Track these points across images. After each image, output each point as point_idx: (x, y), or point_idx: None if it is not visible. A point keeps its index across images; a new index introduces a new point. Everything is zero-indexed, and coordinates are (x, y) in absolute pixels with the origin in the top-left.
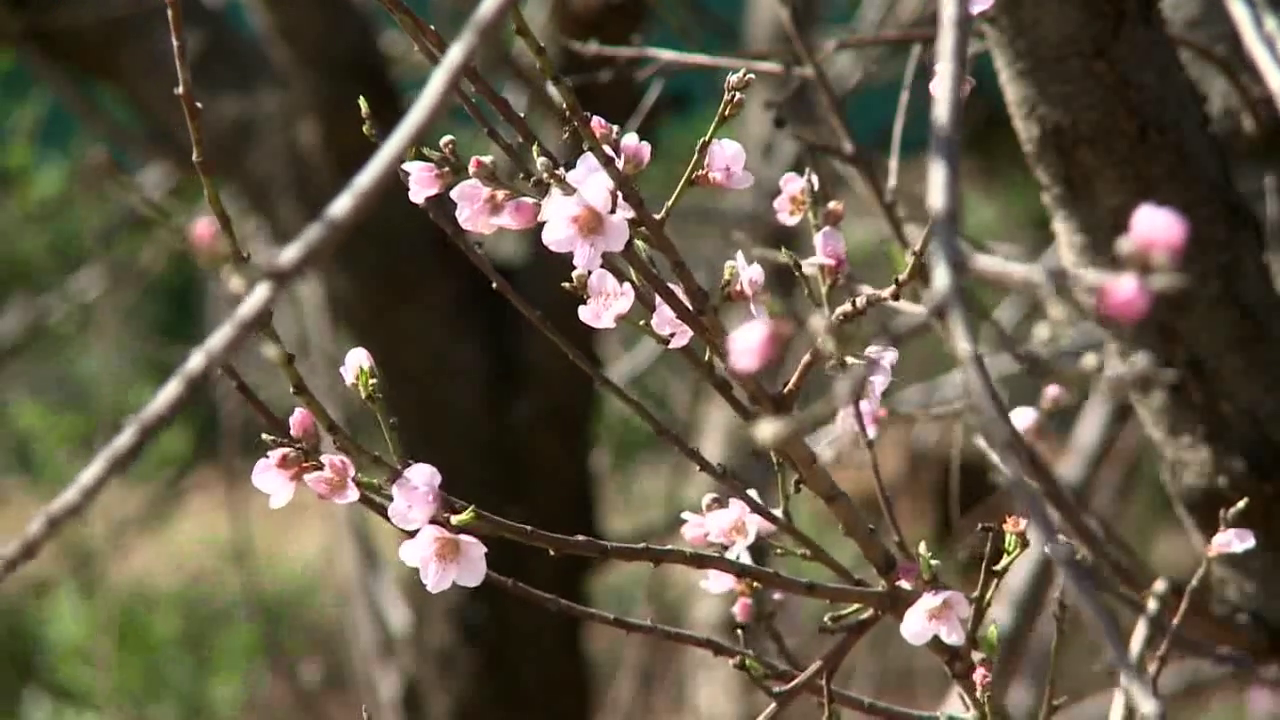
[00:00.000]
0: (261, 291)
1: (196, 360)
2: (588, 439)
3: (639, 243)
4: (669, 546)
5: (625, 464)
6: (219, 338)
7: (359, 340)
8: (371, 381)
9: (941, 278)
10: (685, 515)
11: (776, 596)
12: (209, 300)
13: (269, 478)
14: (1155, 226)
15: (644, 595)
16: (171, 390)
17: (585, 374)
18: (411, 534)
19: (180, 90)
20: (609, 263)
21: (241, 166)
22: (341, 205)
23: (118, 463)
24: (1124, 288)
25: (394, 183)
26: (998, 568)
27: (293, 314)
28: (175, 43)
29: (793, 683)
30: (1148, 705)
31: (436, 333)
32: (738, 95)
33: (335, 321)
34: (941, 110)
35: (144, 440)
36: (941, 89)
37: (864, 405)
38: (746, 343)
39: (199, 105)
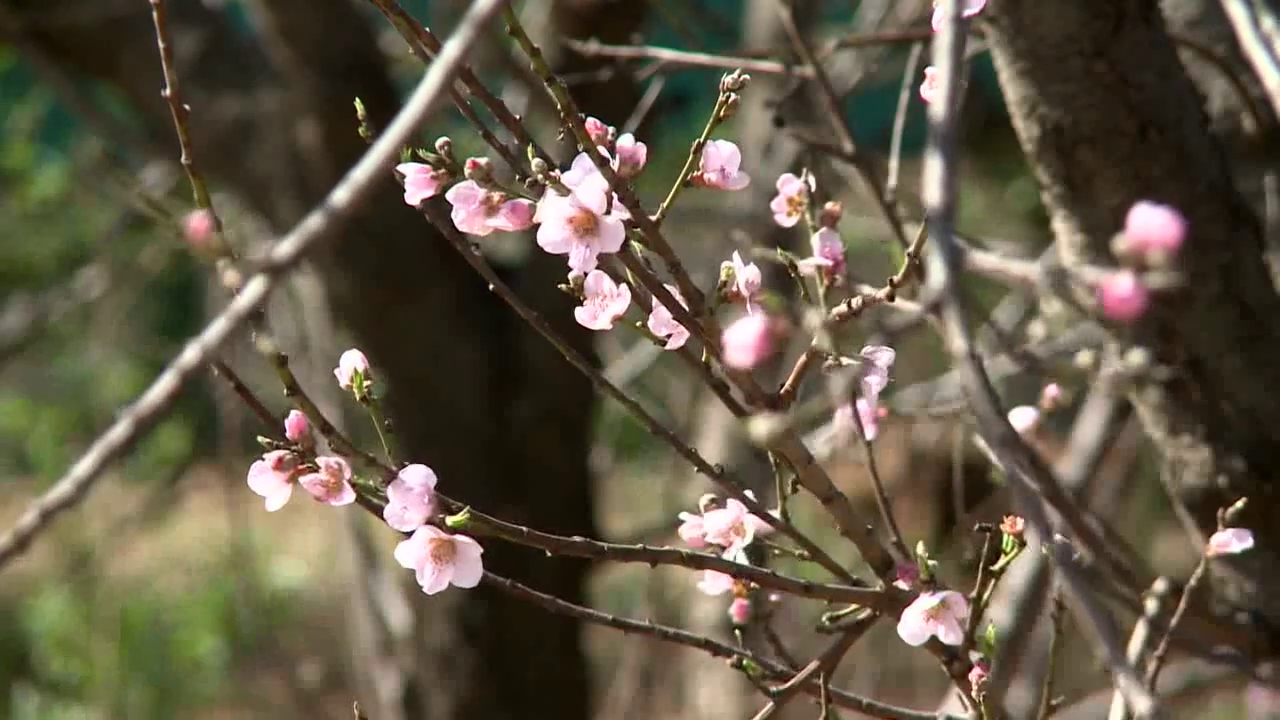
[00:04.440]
0: (257, 285)
1: (191, 353)
2: (587, 439)
3: (635, 244)
4: (667, 547)
5: (625, 464)
6: (214, 331)
7: (359, 340)
8: (366, 383)
9: (938, 274)
10: (683, 516)
11: (774, 597)
12: (209, 300)
13: (265, 480)
14: (1151, 225)
15: (644, 595)
16: (166, 383)
17: (585, 374)
18: (408, 535)
19: (168, 93)
20: (605, 264)
21: (241, 166)
22: (338, 198)
23: (112, 455)
24: (1121, 286)
25: (393, 183)
26: (995, 568)
27: (293, 314)
28: (161, 45)
29: (790, 682)
30: (1142, 703)
31: (436, 333)
32: (733, 96)
33: (335, 322)
34: (939, 105)
35: (138, 432)
36: (938, 84)
37: (861, 405)
38: (742, 338)
39: (188, 108)
